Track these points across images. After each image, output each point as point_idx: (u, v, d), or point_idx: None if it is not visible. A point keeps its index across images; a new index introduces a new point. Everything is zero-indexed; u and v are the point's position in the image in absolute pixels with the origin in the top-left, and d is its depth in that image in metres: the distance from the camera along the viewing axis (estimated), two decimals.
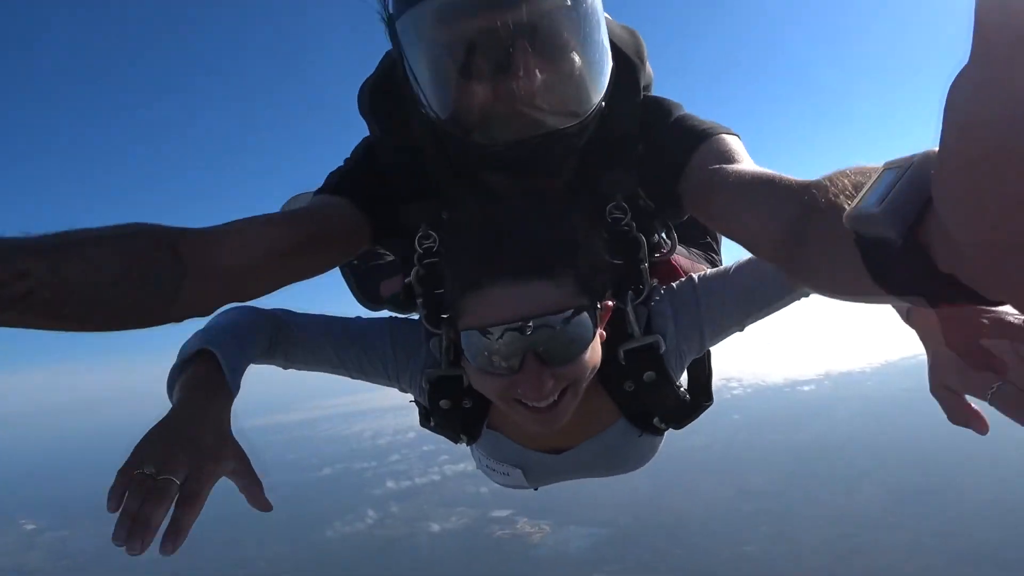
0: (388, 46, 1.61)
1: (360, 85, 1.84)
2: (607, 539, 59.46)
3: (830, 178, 0.96)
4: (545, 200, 1.53)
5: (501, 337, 1.36)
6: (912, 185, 0.65)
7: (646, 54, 1.76)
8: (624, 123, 1.66)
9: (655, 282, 1.74)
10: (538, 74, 1.43)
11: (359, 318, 1.87)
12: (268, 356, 1.72)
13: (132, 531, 1.14)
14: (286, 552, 66.11)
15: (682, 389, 1.79)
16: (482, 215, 1.45)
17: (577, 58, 1.48)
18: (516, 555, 61.14)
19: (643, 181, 1.69)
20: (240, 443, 1.37)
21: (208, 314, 1.51)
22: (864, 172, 0.92)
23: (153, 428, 1.30)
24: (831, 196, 0.92)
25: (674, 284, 1.77)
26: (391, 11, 1.51)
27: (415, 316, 1.85)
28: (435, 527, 71.40)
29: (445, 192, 1.68)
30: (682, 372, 1.79)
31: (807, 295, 1.68)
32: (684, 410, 1.84)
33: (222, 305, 1.52)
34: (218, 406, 1.41)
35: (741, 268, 1.72)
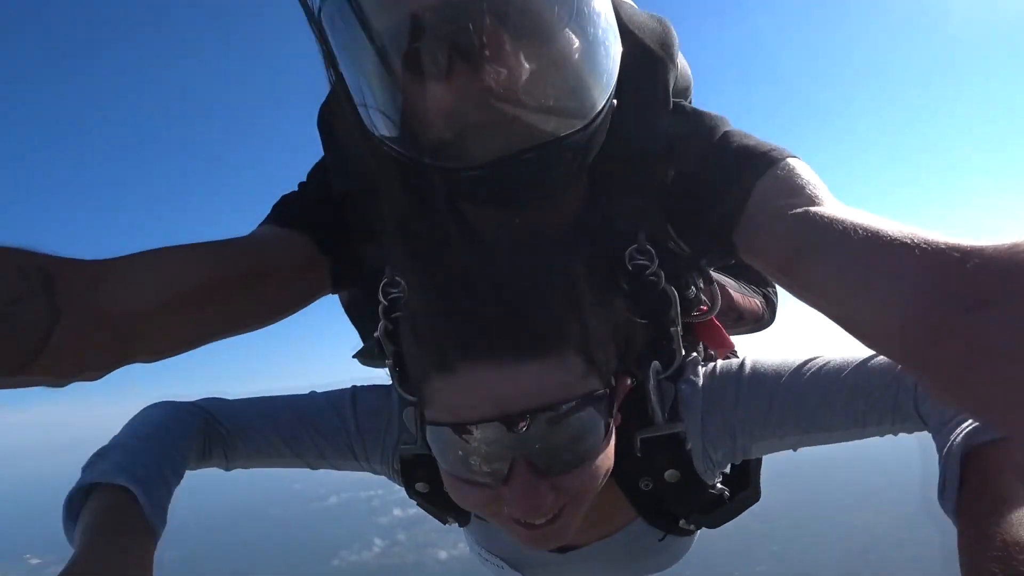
0: None
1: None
2: None
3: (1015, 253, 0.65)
4: (542, 241, 1.15)
5: (481, 436, 0.98)
6: None
7: (677, 47, 1.31)
8: (647, 136, 1.22)
9: (697, 353, 1.37)
10: (520, 60, 1.03)
11: (313, 393, 1.48)
12: (202, 461, 1.35)
13: None
14: None
15: (718, 487, 1.35)
16: (456, 264, 1.05)
17: (572, 36, 1.07)
18: None
19: (675, 217, 1.26)
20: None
21: (96, 374, 1.06)
22: None
23: None
24: None
25: (718, 363, 1.32)
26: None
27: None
28: (442, 554, 70.49)
29: (412, 228, 1.17)
30: (716, 476, 1.35)
31: (897, 432, 1.20)
32: (720, 512, 1.40)
33: (115, 363, 1.08)
34: (138, 552, 1.03)
35: (810, 372, 1.23)
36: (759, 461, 1.42)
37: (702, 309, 1.44)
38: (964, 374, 0.65)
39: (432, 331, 1.02)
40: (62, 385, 1.01)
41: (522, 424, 0.97)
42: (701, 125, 1.27)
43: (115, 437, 1.23)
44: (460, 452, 1.02)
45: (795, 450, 1.30)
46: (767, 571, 53.41)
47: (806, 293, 1.04)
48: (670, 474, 1.27)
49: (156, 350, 1.14)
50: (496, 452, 1.00)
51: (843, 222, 0.96)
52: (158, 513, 1.09)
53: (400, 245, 1.16)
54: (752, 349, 1.44)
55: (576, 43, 1.07)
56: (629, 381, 1.16)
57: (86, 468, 1.14)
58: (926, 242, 0.80)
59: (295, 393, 1.49)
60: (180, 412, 1.33)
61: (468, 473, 1.04)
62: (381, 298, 1.23)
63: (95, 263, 1.06)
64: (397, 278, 1.21)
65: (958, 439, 0.99)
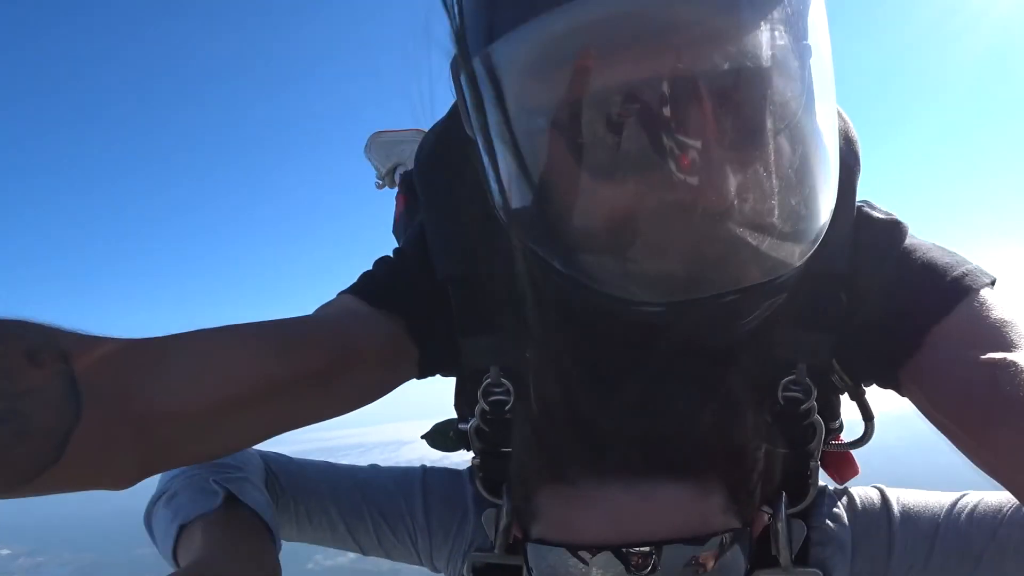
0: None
1: (419, 145, 1.22)
2: None
3: None
4: (691, 360, 0.90)
5: (600, 569, 0.80)
6: None
7: (859, 146, 1.06)
8: (831, 255, 0.96)
9: (830, 486, 1.14)
10: (761, 164, 0.80)
11: (376, 467, 1.27)
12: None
13: None
14: None
15: None
16: (587, 370, 0.87)
17: (817, 138, 0.85)
18: None
19: (843, 349, 1.04)
20: None
21: (119, 485, 0.84)
22: None
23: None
24: None
25: (856, 497, 1.09)
26: (466, 40, 0.81)
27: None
28: None
29: (531, 327, 0.90)
30: None
31: None
32: None
33: (145, 473, 0.86)
34: (266, 550, 0.92)
35: (967, 509, 1.03)
36: None
37: (839, 438, 1.21)
38: None
39: (556, 437, 0.86)
40: (55, 490, 0.78)
41: (651, 556, 0.80)
42: (880, 234, 1.03)
43: (176, 480, 1.01)
44: None
45: None
46: None
47: (986, 454, 0.91)
48: None
49: (196, 455, 0.95)
50: None
51: None
52: (270, 515, 0.98)
53: (522, 335, 0.92)
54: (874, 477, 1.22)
55: (818, 148, 0.86)
56: (766, 518, 0.96)
57: (166, 515, 0.97)
58: None
59: (352, 463, 1.26)
60: (244, 455, 1.09)
61: None
62: (481, 400, 1.07)
63: (127, 346, 0.84)
64: (503, 380, 1.05)
65: None
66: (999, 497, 1.02)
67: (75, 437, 0.73)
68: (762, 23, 0.78)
